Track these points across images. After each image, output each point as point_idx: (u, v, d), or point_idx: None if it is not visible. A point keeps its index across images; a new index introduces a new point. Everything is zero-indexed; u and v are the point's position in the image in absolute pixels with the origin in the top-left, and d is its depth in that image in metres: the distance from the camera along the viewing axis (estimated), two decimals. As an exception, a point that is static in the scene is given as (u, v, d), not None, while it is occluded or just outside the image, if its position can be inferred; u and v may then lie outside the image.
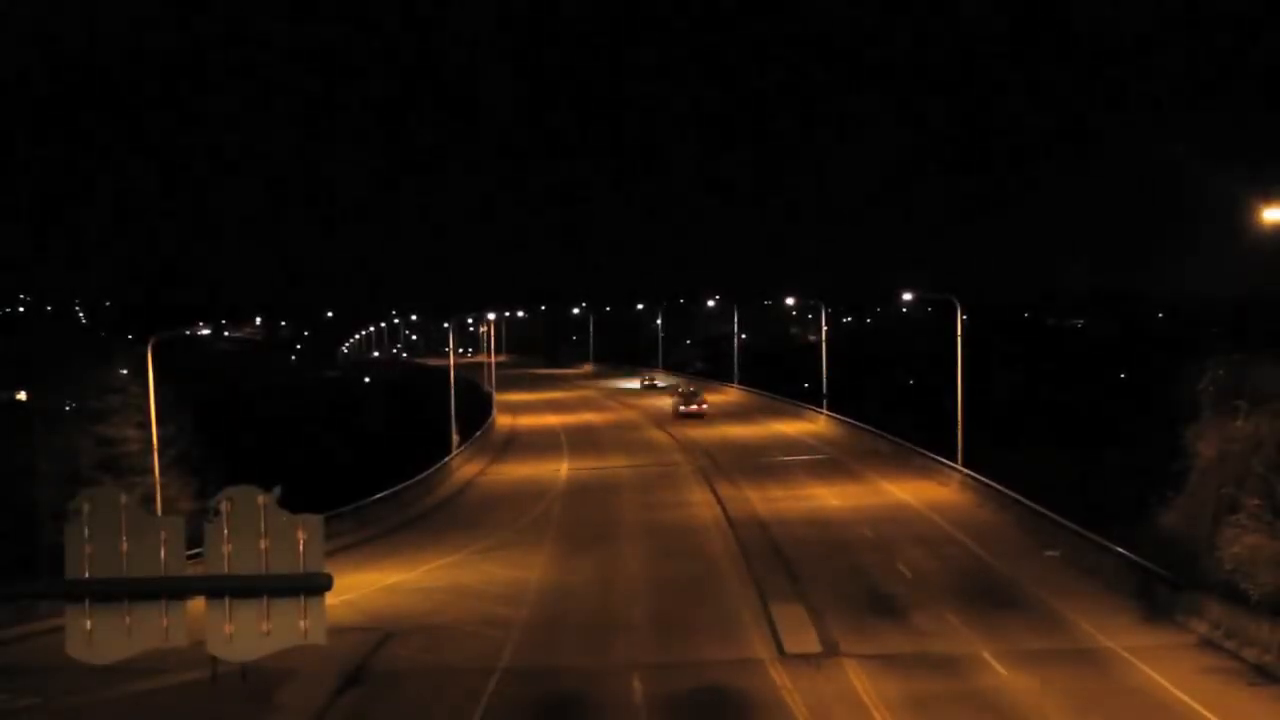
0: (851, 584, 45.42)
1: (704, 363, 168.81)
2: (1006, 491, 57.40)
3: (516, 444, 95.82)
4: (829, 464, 76.52)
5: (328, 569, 17.01)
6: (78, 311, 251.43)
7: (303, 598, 16.88)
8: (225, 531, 16.85)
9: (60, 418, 52.53)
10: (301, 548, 16.87)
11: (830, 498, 64.37)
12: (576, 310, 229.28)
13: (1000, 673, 33.90)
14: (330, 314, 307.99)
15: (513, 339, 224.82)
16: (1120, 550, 43.27)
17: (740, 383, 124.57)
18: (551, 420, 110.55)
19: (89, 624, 16.86)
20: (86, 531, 16.84)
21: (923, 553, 50.20)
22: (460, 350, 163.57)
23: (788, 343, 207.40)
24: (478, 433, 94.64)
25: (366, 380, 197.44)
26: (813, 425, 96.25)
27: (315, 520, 17.12)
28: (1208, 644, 35.50)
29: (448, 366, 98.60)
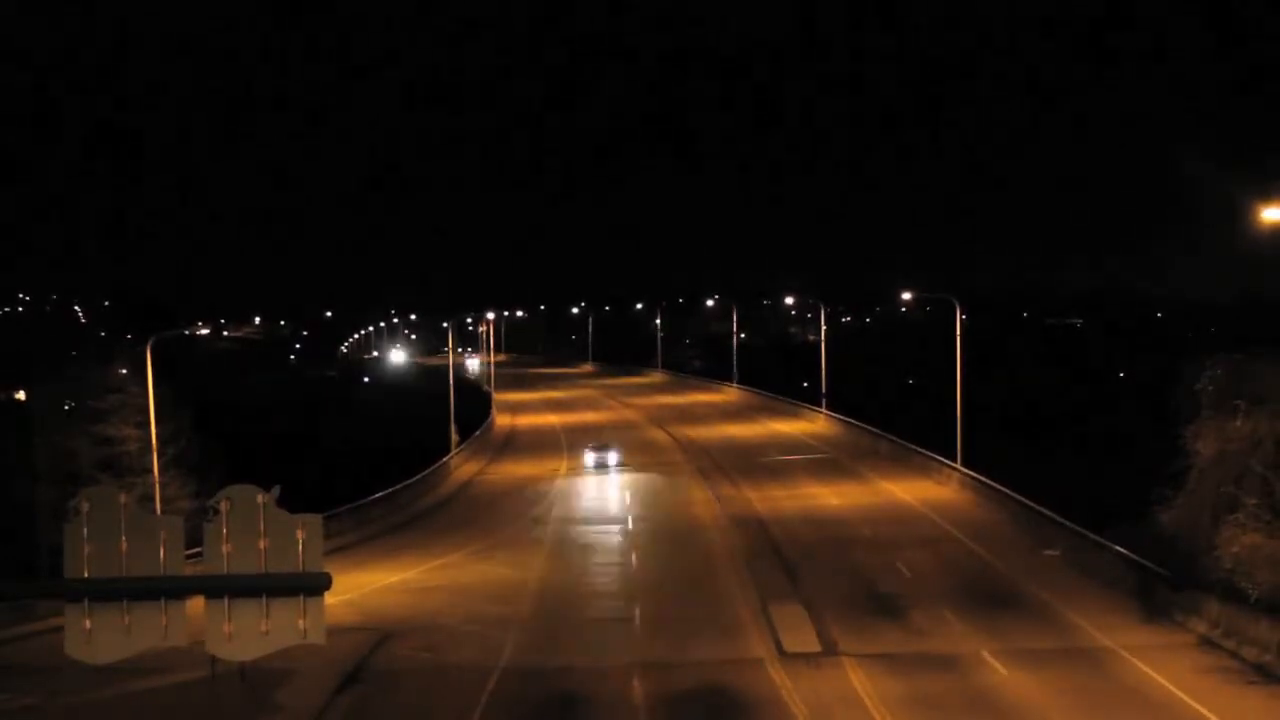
0: (851, 583, 45.43)
1: (702, 362, 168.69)
2: (1006, 490, 57.40)
3: (515, 443, 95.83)
4: (828, 463, 76.52)
5: (327, 569, 17.00)
6: (77, 311, 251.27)
7: (302, 597, 16.85)
8: (224, 531, 16.82)
9: (60, 417, 52.52)
10: (301, 547, 16.84)
11: (829, 497, 64.37)
12: (576, 310, 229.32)
13: (1000, 672, 33.91)
14: (330, 314, 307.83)
15: (512, 339, 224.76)
16: (1120, 549, 43.29)
17: (739, 382, 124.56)
18: (551, 419, 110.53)
19: (88, 624, 16.83)
20: (86, 531, 16.80)
21: (922, 552, 50.20)
22: (460, 350, 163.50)
23: (787, 342, 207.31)
24: (477, 432, 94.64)
25: (366, 380, 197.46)
26: (812, 425, 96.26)
27: (314, 520, 17.09)
28: (1207, 643, 35.52)
29: (447, 366, 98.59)
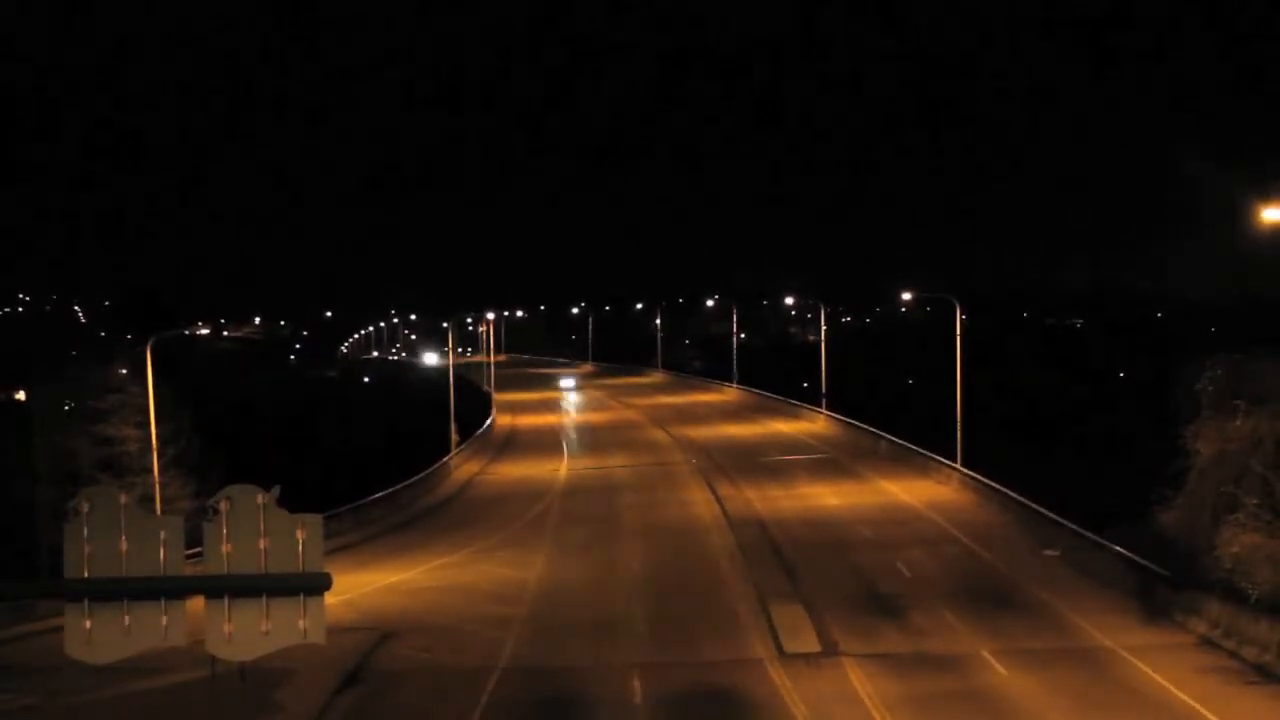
0: (851, 583, 45.42)
1: (702, 362, 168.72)
2: (1006, 491, 57.38)
3: (516, 443, 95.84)
4: (828, 463, 76.51)
5: (327, 569, 17.00)
6: (77, 311, 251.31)
7: (302, 597, 16.86)
8: (224, 531, 16.82)
9: (60, 417, 52.53)
10: (301, 547, 16.84)
11: (829, 497, 64.36)
12: (576, 310, 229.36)
13: (1000, 672, 33.90)
14: (330, 314, 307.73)
15: (512, 339, 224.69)
16: (1120, 550, 43.28)
17: (739, 382, 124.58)
18: (551, 420, 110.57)
19: (88, 624, 16.84)
20: (86, 531, 16.80)
21: (922, 552, 50.20)
22: (460, 350, 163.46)
23: (787, 342, 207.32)
24: (477, 432, 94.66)
25: (366, 380, 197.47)
26: (812, 425, 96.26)
27: (315, 520, 17.09)
28: (1207, 643, 35.51)
29: (446, 366, 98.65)
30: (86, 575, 16.78)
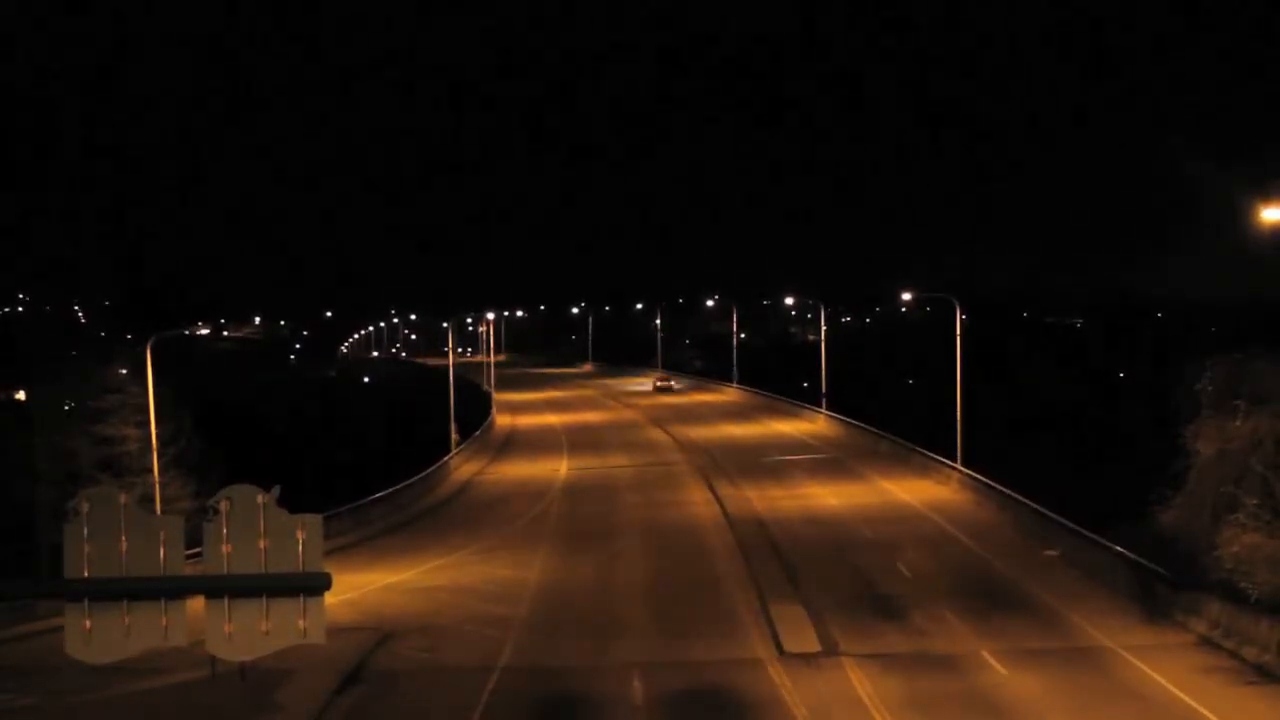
0: (851, 583, 45.45)
1: (702, 362, 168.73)
2: (1006, 491, 57.40)
3: (516, 443, 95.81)
4: (828, 463, 76.53)
5: (327, 569, 16.99)
6: (76, 311, 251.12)
7: (302, 597, 16.84)
8: (224, 531, 16.81)
9: (59, 417, 52.58)
10: (301, 547, 16.83)
11: (829, 497, 64.38)
12: (576, 310, 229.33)
13: (1000, 672, 33.92)
14: (330, 314, 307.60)
15: (511, 338, 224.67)
16: (1120, 550, 43.29)
17: (739, 382, 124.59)
18: (551, 419, 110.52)
19: (88, 624, 16.83)
20: (86, 531, 16.79)
21: (922, 552, 50.22)
22: (460, 350, 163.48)
23: (787, 342, 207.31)
24: (477, 432, 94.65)
25: (366, 380, 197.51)
26: (812, 425, 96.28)
27: (315, 520, 17.08)
28: (1207, 643, 35.53)
29: (446, 366, 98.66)
30: (86, 575, 16.78)
